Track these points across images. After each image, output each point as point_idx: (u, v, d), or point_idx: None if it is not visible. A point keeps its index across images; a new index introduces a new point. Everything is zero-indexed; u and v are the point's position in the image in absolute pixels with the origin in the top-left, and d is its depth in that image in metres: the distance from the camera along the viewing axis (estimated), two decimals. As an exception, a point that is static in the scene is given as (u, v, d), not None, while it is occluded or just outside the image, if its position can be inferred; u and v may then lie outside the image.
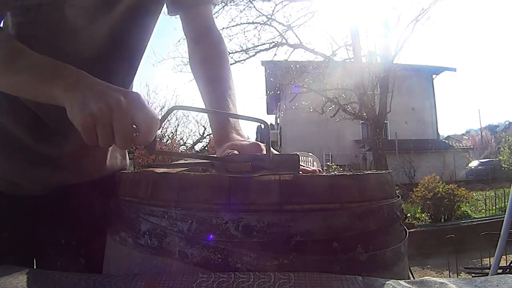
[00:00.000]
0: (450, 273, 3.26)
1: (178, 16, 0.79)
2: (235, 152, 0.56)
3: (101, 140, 0.46)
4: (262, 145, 0.57)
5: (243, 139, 0.63)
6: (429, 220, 5.84)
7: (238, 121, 0.69)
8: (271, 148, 0.53)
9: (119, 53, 0.67)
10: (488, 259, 2.80)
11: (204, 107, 0.72)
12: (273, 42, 10.55)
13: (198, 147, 14.88)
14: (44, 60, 0.52)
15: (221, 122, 0.67)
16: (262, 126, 0.50)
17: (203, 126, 14.51)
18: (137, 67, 0.74)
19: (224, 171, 0.48)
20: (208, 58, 0.77)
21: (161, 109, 14.84)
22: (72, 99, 0.47)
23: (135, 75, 0.75)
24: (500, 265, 2.29)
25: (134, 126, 0.46)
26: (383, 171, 0.54)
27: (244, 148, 0.58)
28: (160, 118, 0.49)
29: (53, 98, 0.49)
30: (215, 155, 0.58)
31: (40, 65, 0.51)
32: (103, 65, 0.64)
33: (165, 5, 0.75)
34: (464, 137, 25.69)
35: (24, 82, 0.51)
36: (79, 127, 0.46)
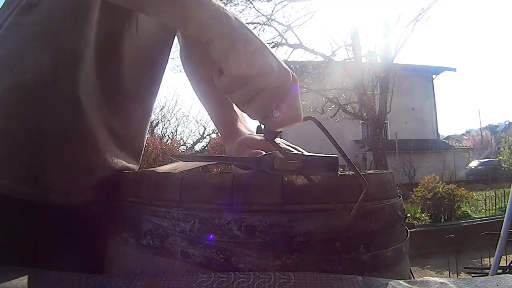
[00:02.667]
0: (450, 273, 3.27)
1: None
2: (261, 151, 0.53)
3: (235, 98, 0.41)
4: (279, 140, 0.55)
5: (254, 134, 0.62)
6: (429, 220, 5.85)
7: (244, 115, 0.66)
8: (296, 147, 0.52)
9: (119, 55, 0.66)
10: (488, 259, 2.80)
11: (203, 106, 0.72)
12: (273, 42, 10.56)
13: (198, 147, 14.90)
14: None
15: (230, 117, 0.65)
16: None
17: (203, 126, 14.53)
18: (152, 107, 0.70)
19: (271, 168, 0.44)
20: (202, 59, 0.75)
21: (161, 109, 14.86)
22: (233, 41, 0.40)
23: (155, 82, 0.71)
24: (500, 265, 2.29)
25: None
26: (385, 171, 0.54)
27: (256, 145, 0.56)
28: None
29: (196, 27, 0.41)
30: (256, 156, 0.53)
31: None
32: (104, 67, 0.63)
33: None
34: (464, 137, 25.72)
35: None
36: (229, 74, 0.40)
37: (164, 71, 0.72)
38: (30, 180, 0.58)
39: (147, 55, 0.65)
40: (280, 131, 0.46)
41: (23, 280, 0.44)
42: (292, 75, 0.43)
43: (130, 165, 0.68)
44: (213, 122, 0.73)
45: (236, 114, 0.66)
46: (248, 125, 0.65)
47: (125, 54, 0.60)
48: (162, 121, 15.05)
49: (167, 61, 0.72)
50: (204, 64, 0.76)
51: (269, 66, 0.40)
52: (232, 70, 0.39)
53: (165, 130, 15.03)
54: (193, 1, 0.42)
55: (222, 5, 0.43)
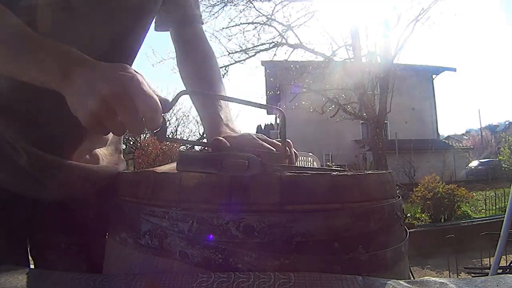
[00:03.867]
0: (450, 273, 3.26)
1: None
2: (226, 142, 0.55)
3: (113, 132, 0.45)
4: (258, 135, 0.57)
5: (235, 133, 0.64)
6: (429, 220, 5.84)
7: (232, 119, 0.69)
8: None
9: (119, 54, 0.67)
10: (488, 259, 2.80)
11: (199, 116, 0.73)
12: (273, 42, 10.55)
13: (197, 147, 14.89)
14: (44, 44, 0.49)
15: (213, 120, 0.67)
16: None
17: (203, 126, 14.51)
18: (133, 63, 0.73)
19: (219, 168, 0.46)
20: (196, 75, 0.78)
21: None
22: (69, 94, 0.45)
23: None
24: (500, 265, 2.29)
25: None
26: (384, 171, 0.54)
27: (234, 139, 0.58)
28: (168, 101, 0.48)
29: (54, 88, 0.46)
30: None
31: (40, 50, 0.48)
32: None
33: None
34: (464, 137, 25.72)
35: (25, 69, 0.49)
36: (85, 125, 0.44)
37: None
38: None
39: None
40: (165, 127, 0.48)
41: (23, 280, 0.44)
42: (131, 76, 0.45)
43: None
44: (202, 124, 0.75)
45: (220, 116, 0.67)
46: (235, 126, 0.67)
47: None
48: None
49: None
50: (193, 66, 0.78)
51: (104, 98, 0.42)
52: (83, 123, 0.44)
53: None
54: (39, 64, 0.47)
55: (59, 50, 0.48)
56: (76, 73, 0.45)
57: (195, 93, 0.52)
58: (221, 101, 0.71)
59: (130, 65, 0.72)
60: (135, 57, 0.74)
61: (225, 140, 0.56)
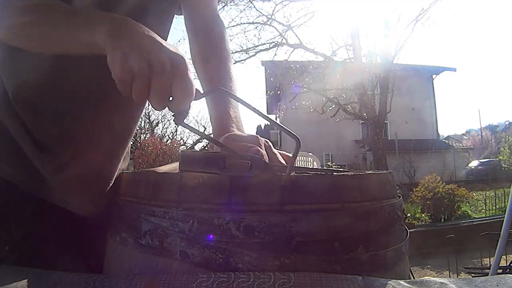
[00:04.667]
0: (450, 273, 3.26)
1: (178, 16, 0.79)
2: (246, 144, 0.55)
3: (134, 96, 0.45)
4: (262, 139, 0.56)
5: (242, 133, 0.63)
6: (429, 220, 5.84)
7: (240, 119, 0.68)
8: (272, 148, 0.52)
9: None
10: (488, 259, 2.79)
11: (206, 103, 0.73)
12: (273, 42, 10.56)
13: (198, 147, 14.90)
14: (82, 8, 0.49)
15: (222, 117, 0.67)
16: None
17: (203, 126, 14.52)
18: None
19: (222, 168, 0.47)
20: (209, 57, 0.77)
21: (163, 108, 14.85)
22: (114, 48, 0.44)
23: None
24: (500, 265, 2.29)
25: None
26: (384, 171, 0.54)
27: (242, 139, 0.57)
28: (200, 92, 0.48)
29: (93, 46, 0.46)
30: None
31: (79, 12, 0.48)
32: (104, 67, 0.63)
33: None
34: (464, 137, 25.70)
35: (66, 32, 0.49)
36: (116, 79, 0.44)
37: (166, 29, 0.73)
38: None
39: None
40: (187, 112, 0.48)
41: (23, 280, 0.44)
42: (181, 57, 0.46)
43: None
44: (210, 122, 0.74)
45: (230, 115, 0.67)
46: (242, 127, 0.66)
47: None
48: (162, 121, 15.04)
49: (168, 16, 0.73)
50: (206, 64, 0.77)
51: (150, 62, 0.43)
52: (114, 75, 0.44)
53: (165, 130, 15.02)
54: (82, 26, 0.47)
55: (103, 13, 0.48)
56: (127, 32, 0.45)
57: (228, 94, 0.53)
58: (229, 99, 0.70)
59: None
60: None
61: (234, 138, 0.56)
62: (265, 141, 0.59)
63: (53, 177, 0.63)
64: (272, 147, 0.58)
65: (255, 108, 0.54)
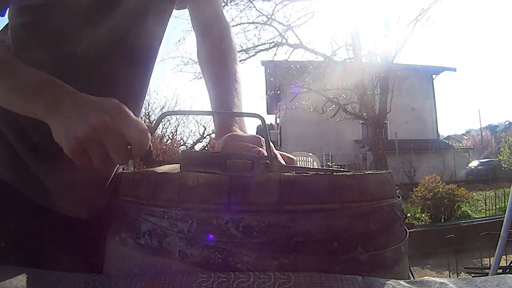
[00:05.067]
0: (450, 273, 3.26)
1: (178, 16, 0.79)
2: (248, 144, 0.55)
3: (96, 162, 0.45)
4: (263, 139, 0.56)
5: (244, 133, 0.63)
6: (429, 220, 5.84)
7: (243, 119, 0.68)
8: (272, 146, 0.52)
9: (121, 56, 0.66)
10: (488, 259, 2.79)
11: (210, 102, 0.73)
12: (273, 42, 10.57)
13: (198, 147, 14.90)
14: (30, 74, 0.49)
15: (224, 118, 0.67)
16: (260, 122, 0.50)
17: (203, 126, 14.54)
18: (146, 73, 0.72)
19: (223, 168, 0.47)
20: (214, 52, 0.77)
21: (161, 109, 14.88)
22: (55, 121, 0.45)
23: (145, 81, 0.72)
24: (500, 265, 2.29)
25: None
26: (384, 171, 0.54)
27: (243, 139, 0.58)
28: (151, 125, 0.48)
29: (38, 116, 0.47)
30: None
31: (25, 80, 0.49)
32: (104, 67, 0.63)
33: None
34: (464, 137, 25.70)
35: (10, 98, 0.50)
36: (67, 153, 0.45)
37: (163, 28, 0.73)
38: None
39: None
40: (150, 151, 0.49)
41: (23, 280, 0.44)
42: (115, 104, 0.46)
43: None
44: (213, 121, 0.74)
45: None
46: (244, 127, 0.66)
47: None
48: (162, 121, 15.05)
49: (167, 15, 0.73)
50: (211, 59, 0.77)
51: (91, 125, 0.43)
52: (64, 149, 0.44)
53: (165, 130, 15.02)
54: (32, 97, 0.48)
55: (48, 80, 0.49)
56: (63, 103, 0.46)
57: (177, 113, 0.54)
58: (236, 95, 0.70)
59: (140, 72, 0.71)
60: (145, 62, 0.71)
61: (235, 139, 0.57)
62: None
63: (48, 180, 0.63)
64: (273, 148, 0.58)
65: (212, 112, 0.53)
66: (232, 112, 0.64)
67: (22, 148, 0.61)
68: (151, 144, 0.49)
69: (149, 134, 0.47)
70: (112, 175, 0.71)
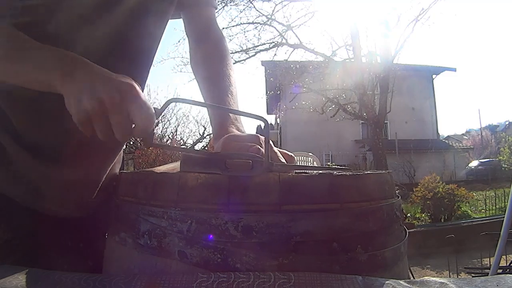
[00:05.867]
0: (450, 273, 3.26)
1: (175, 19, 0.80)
2: (246, 144, 0.55)
3: (99, 134, 0.46)
4: (262, 138, 0.57)
5: (242, 133, 0.63)
6: (429, 220, 5.84)
7: (240, 118, 0.69)
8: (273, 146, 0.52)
9: (121, 56, 0.66)
10: (488, 259, 2.79)
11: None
12: (273, 42, 10.56)
13: (198, 147, 14.88)
14: (43, 47, 0.51)
15: (221, 118, 0.67)
16: (262, 124, 0.50)
17: (203, 126, 14.51)
18: (145, 72, 0.73)
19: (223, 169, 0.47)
20: (209, 56, 0.78)
21: (161, 109, 14.83)
22: (68, 91, 0.46)
23: (143, 78, 0.73)
24: (500, 265, 2.29)
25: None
26: (383, 171, 0.54)
27: (242, 139, 0.58)
28: (157, 109, 0.49)
29: (51, 88, 0.48)
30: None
31: (39, 52, 0.50)
32: (104, 67, 0.63)
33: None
34: (464, 137, 25.72)
35: (23, 70, 0.50)
36: (75, 121, 0.46)
37: (162, 28, 0.74)
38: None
39: None
40: (152, 132, 0.49)
41: (23, 280, 0.44)
42: (128, 83, 0.47)
43: None
44: (210, 122, 0.75)
45: (230, 115, 0.67)
46: (243, 127, 0.66)
47: None
48: (162, 121, 15.03)
49: (166, 16, 0.74)
50: (206, 63, 0.77)
51: (100, 100, 0.44)
52: (73, 118, 0.46)
53: (165, 130, 15.00)
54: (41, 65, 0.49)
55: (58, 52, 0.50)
56: (77, 73, 0.47)
57: (183, 101, 0.53)
58: (231, 98, 0.71)
59: (140, 70, 0.72)
60: (144, 61, 0.72)
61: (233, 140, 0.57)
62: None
63: (42, 180, 0.63)
64: (273, 146, 0.58)
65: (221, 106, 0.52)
66: (238, 111, 0.64)
67: (16, 148, 0.61)
68: (154, 128, 0.49)
69: (154, 118, 0.47)
70: (106, 174, 0.71)
